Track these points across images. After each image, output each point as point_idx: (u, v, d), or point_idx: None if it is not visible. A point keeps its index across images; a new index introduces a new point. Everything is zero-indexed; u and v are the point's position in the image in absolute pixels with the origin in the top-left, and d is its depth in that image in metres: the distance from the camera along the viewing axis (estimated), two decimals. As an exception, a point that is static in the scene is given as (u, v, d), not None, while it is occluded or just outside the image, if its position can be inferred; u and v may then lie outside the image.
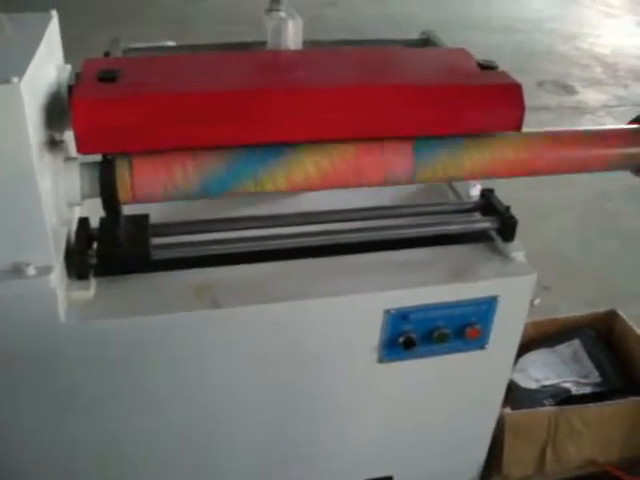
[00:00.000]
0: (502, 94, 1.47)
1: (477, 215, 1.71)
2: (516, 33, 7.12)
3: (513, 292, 1.58)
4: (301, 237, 1.54)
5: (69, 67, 1.48)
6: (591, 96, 5.69)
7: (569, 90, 5.66)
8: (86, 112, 1.26)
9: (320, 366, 1.55)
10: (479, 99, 1.46)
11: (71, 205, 1.39)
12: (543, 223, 3.62)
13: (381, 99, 1.41)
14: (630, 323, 2.43)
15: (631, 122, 1.63)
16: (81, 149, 1.27)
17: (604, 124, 5.18)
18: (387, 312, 1.49)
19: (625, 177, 1.65)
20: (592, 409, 2.11)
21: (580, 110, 5.35)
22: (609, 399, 2.21)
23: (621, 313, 2.48)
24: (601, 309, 2.51)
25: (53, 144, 1.34)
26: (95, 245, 1.43)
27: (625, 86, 6.00)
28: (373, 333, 1.51)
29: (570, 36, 7.24)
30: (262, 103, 1.35)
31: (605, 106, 5.54)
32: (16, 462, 1.53)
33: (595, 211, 4.04)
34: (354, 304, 1.49)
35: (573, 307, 2.79)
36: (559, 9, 8.42)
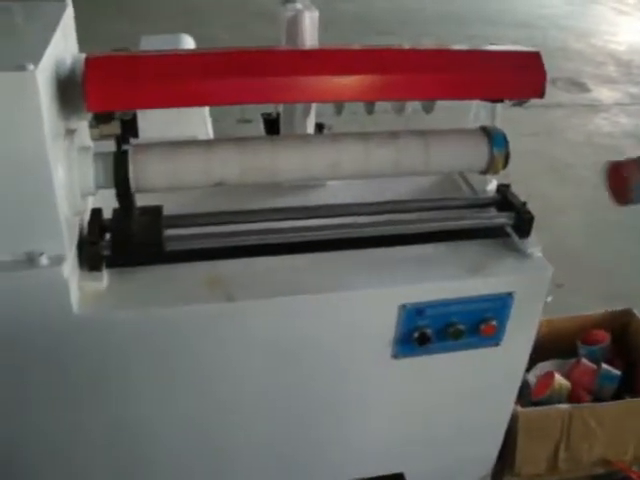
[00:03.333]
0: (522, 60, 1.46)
1: (493, 210, 1.69)
2: (531, 29, 7.09)
3: (529, 288, 1.56)
4: (316, 230, 1.52)
5: (83, 56, 1.47)
6: (604, 94, 5.65)
7: (583, 88, 5.62)
8: (98, 66, 1.25)
9: (333, 360, 1.54)
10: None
11: (85, 195, 1.38)
12: (554, 219, 3.59)
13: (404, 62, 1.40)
14: (646, 322, 2.41)
15: None
16: (90, 106, 1.24)
17: (618, 122, 5.15)
18: (402, 307, 1.47)
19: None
20: (606, 407, 2.09)
21: (593, 108, 5.31)
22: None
23: (637, 312, 2.46)
24: (616, 308, 2.49)
25: (67, 133, 1.33)
26: (108, 236, 1.42)
27: (638, 84, 5.96)
28: (388, 328, 1.50)
29: (585, 33, 7.21)
30: (271, 60, 1.34)
31: (618, 104, 5.50)
32: (27, 453, 1.52)
33: (606, 208, 4.00)
34: (369, 299, 1.48)
35: (587, 304, 2.77)
36: (574, 6, 8.39)
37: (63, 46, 1.36)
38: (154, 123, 2.43)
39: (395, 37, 6.27)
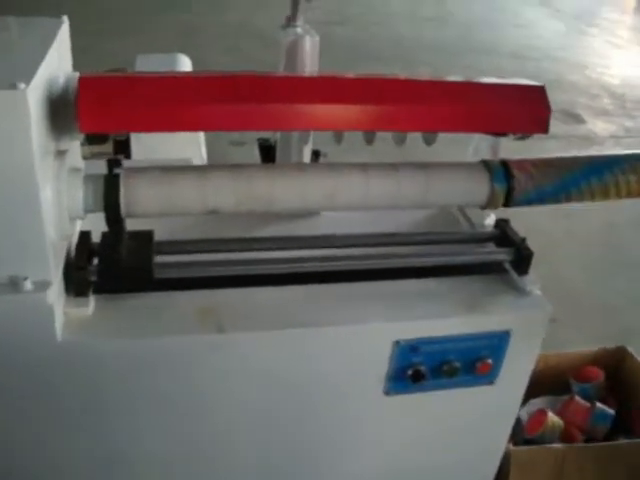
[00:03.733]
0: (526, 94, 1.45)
1: (491, 245, 1.66)
2: (524, 60, 7.13)
3: (527, 327, 1.52)
4: (310, 262, 1.48)
5: (77, 75, 1.43)
6: (599, 126, 5.67)
7: (578, 119, 5.63)
8: (92, 86, 1.22)
9: (324, 396, 1.49)
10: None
11: (73, 218, 1.33)
12: (550, 253, 3.57)
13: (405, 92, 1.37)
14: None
15: None
16: (83, 127, 1.21)
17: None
18: (396, 343, 1.43)
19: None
20: (600, 448, 2.06)
21: (588, 140, 5.32)
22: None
23: (630, 349, 2.43)
24: (610, 345, 2.47)
25: (58, 154, 1.29)
26: (96, 261, 1.38)
27: (633, 117, 5.98)
28: (381, 364, 1.45)
29: (578, 65, 7.25)
30: (271, 86, 1.31)
31: (613, 136, 5.51)
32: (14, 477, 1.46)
33: (601, 242, 4.00)
34: (362, 334, 1.43)
35: (581, 341, 2.74)
36: (567, 38, 8.44)
37: (57, 64, 1.32)
38: (147, 144, 2.40)
39: (389, 63, 6.28)
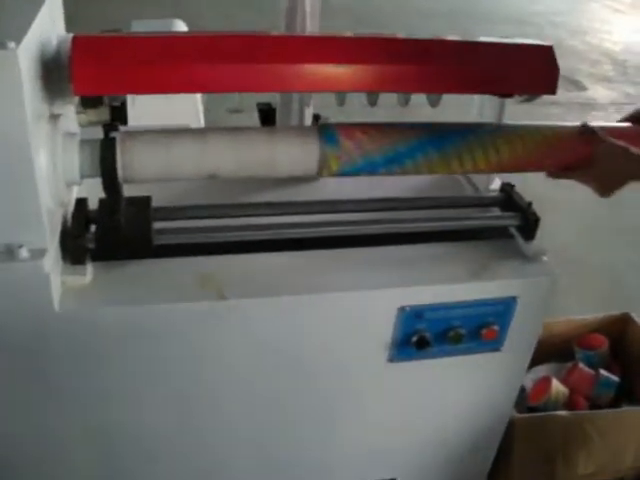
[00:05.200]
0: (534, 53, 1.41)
1: (496, 210, 1.63)
2: (524, 25, 7.05)
3: (533, 293, 1.49)
4: (313, 227, 1.45)
5: (70, 36, 1.39)
6: (600, 93, 5.61)
7: (578, 86, 5.58)
8: (86, 46, 1.17)
9: (327, 364, 1.47)
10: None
11: (69, 184, 1.30)
12: (549, 219, 3.54)
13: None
14: (644, 326, 2.36)
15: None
16: (77, 89, 1.16)
17: (613, 121, 5.10)
18: (401, 309, 1.40)
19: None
20: (605, 415, 2.04)
21: (589, 106, 5.27)
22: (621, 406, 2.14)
23: (634, 316, 2.41)
24: (614, 312, 2.44)
25: (51, 117, 1.25)
26: (93, 228, 1.34)
27: (635, 84, 5.92)
28: (385, 331, 1.43)
29: (580, 31, 7.18)
30: (271, 45, 1.27)
31: (614, 103, 5.46)
32: (6, 454, 1.44)
33: (602, 209, 3.96)
34: (367, 300, 1.40)
35: (583, 308, 2.72)
36: (567, 3, 8.34)
37: (49, 25, 1.28)
38: (144, 111, 2.36)
39: (388, 31, 6.20)
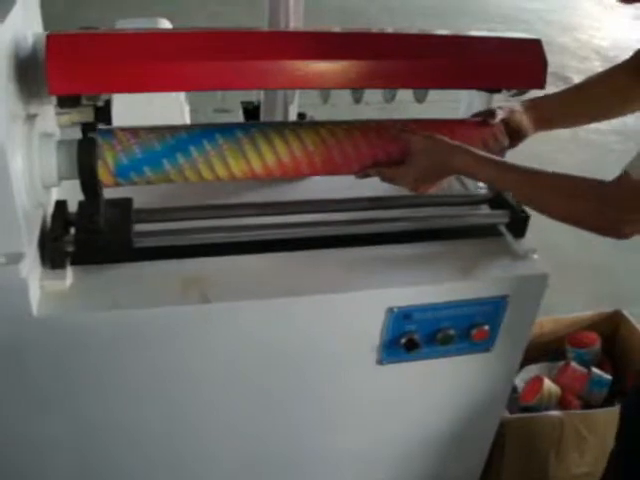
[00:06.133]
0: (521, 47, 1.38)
1: (486, 208, 1.60)
2: (516, 22, 7.03)
3: (524, 292, 1.47)
4: (298, 227, 1.42)
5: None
6: (589, 89, 5.58)
7: (568, 82, 5.55)
8: (61, 44, 1.14)
9: (315, 367, 1.44)
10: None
11: (47, 186, 1.27)
12: (540, 217, 3.52)
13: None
14: (635, 324, 2.34)
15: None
16: (52, 88, 1.14)
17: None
18: (389, 311, 1.37)
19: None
20: (598, 415, 2.02)
21: (579, 103, 5.24)
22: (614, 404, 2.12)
23: (626, 313, 2.39)
24: (605, 309, 2.42)
25: (28, 118, 1.21)
26: (73, 231, 1.31)
27: (624, 80, 5.90)
28: (373, 333, 1.40)
29: (569, 27, 7.15)
30: (251, 42, 1.24)
31: (604, 99, 5.43)
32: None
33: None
34: (354, 302, 1.38)
35: (574, 306, 2.70)
36: (559, 1, 8.32)
37: (24, 22, 1.24)
38: (129, 112, 2.32)
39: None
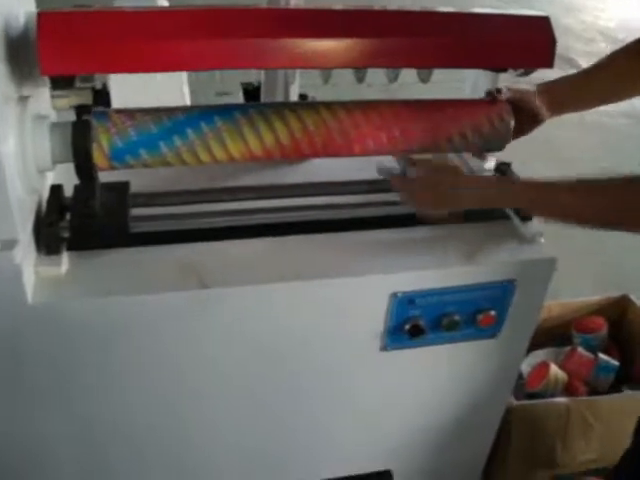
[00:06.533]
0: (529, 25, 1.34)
1: (492, 191, 1.56)
2: (518, 2, 6.96)
3: (531, 276, 1.44)
4: (299, 210, 1.40)
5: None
6: (596, 71, 5.53)
7: (573, 64, 5.50)
8: (53, 23, 1.10)
9: (317, 353, 1.41)
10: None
11: (41, 170, 1.23)
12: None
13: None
14: (643, 308, 2.31)
15: None
16: (44, 69, 1.10)
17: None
18: (393, 296, 1.34)
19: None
20: (605, 401, 1.99)
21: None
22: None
23: (633, 298, 2.36)
24: (612, 294, 2.39)
25: (20, 100, 1.18)
26: (68, 216, 1.28)
27: (631, 62, 5.84)
28: (377, 319, 1.37)
29: (574, 8, 7.08)
30: (251, 19, 1.20)
31: (610, 82, 5.39)
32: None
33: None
34: (356, 287, 1.34)
35: (581, 291, 2.66)
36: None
37: (15, 1, 1.20)
38: (128, 94, 2.28)
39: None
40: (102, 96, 2.42)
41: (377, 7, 1.27)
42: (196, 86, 2.91)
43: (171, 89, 2.56)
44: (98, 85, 2.28)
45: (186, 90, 2.74)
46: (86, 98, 2.27)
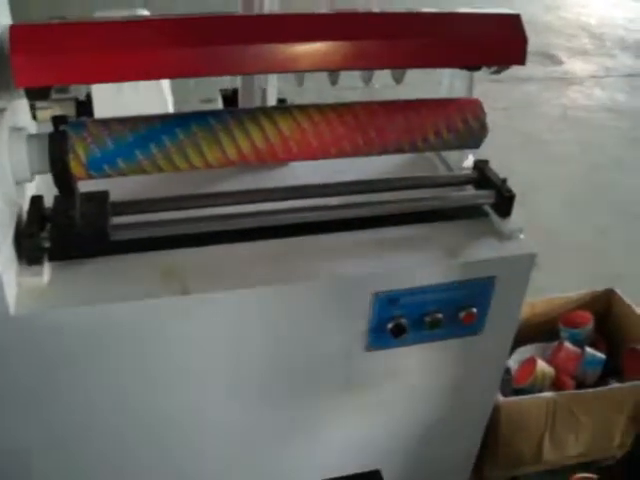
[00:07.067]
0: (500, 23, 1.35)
1: (470, 188, 1.57)
2: (498, 2, 6.98)
3: (511, 272, 1.45)
4: (279, 214, 1.40)
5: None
6: (578, 66, 5.57)
7: (555, 60, 5.53)
8: (25, 35, 1.10)
9: (302, 356, 1.42)
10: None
11: (19, 182, 1.24)
12: (529, 196, 3.50)
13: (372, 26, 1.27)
14: (628, 302, 2.32)
15: None
16: (19, 81, 1.10)
17: (593, 95, 5.07)
18: (374, 296, 1.35)
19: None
20: (592, 394, 2.01)
21: (567, 81, 5.22)
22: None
23: (619, 292, 2.37)
24: (598, 288, 2.40)
25: (-4, 112, 1.19)
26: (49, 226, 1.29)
27: (612, 56, 5.88)
28: (360, 319, 1.38)
29: (554, 5, 7.11)
30: (223, 27, 1.20)
31: (592, 76, 5.42)
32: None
33: (583, 184, 3.92)
34: (339, 287, 1.35)
35: (566, 287, 2.68)
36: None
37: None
38: (111, 104, 2.29)
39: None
40: (85, 107, 2.42)
41: (347, 10, 1.28)
42: (180, 94, 2.92)
43: (154, 98, 2.57)
44: (81, 96, 2.29)
45: (169, 99, 2.76)
46: (69, 109, 2.28)
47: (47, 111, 1.77)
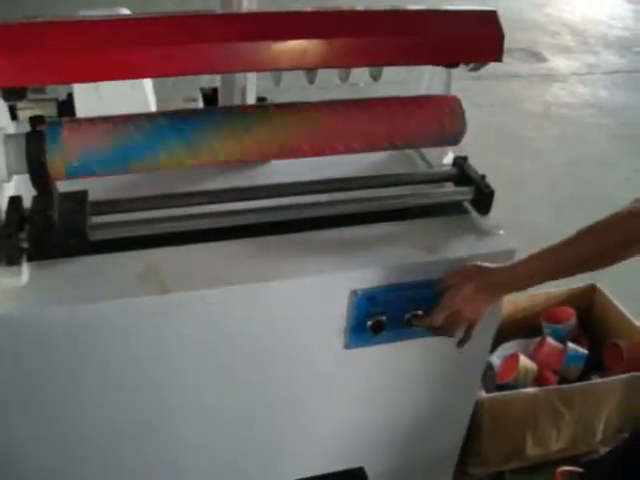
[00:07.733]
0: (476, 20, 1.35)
1: (450, 185, 1.58)
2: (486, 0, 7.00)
3: (491, 268, 1.45)
4: (258, 212, 1.40)
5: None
6: (561, 63, 5.58)
7: (539, 58, 5.54)
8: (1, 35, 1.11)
9: (281, 354, 1.42)
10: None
11: (-2, 182, 1.24)
12: (512, 193, 3.51)
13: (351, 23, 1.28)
14: (610, 297, 2.33)
15: None
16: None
17: (576, 92, 5.09)
18: (353, 293, 1.35)
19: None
20: (574, 389, 2.01)
21: (551, 78, 5.24)
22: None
23: (601, 287, 2.38)
24: (580, 284, 2.41)
25: (-27, 114, 1.19)
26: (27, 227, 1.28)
27: (595, 53, 5.90)
28: (338, 317, 1.39)
29: (539, 3, 7.13)
30: (199, 25, 1.20)
31: (575, 74, 5.44)
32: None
33: (566, 181, 3.93)
34: (317, 285, 1.36)
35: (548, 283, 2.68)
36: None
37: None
38: (92, 104, 2.28)
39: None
40: (67, 107, 2.41)
41: (325, 8, 1.28)
42: (163, 94, 2.91)
43: (136, 98, 2.56)
44: (61, 96, 2.28)
45: (152, 98, 2.74)
46: (51, 110, 2.27)
47: (28, 111, 1.76)
